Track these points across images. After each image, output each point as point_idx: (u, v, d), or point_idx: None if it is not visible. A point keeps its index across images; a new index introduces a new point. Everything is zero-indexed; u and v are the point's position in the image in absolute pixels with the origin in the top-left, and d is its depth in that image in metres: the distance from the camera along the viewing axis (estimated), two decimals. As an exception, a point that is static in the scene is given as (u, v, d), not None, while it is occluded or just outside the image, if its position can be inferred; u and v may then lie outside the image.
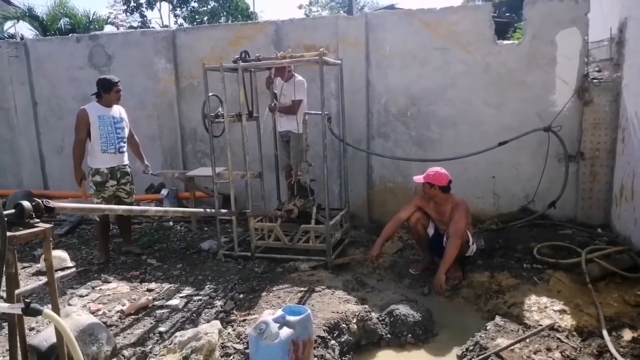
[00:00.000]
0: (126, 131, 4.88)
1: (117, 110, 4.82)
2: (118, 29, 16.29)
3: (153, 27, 11.48)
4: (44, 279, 2.25)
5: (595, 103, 5.17)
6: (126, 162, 4.90)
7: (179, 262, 4.89)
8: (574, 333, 3.15)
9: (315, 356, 2.89)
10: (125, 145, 4.87)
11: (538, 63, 5.33)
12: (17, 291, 2.05)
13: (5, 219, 1.92)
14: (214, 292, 4.07)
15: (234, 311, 3.65)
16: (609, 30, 5.10)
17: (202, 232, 5.95)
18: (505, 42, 5.66)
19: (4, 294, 2.07)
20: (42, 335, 2.58)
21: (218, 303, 3.83)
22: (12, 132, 7.57)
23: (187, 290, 4.15)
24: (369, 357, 3.35)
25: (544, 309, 3.46)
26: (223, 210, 4.35)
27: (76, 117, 4.65)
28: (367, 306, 3.68)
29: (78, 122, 4.63)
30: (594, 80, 5.14)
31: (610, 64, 5.13)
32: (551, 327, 3.17)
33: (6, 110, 7.53)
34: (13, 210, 2.06)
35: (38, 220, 2.12)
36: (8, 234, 1.93)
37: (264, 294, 3.94)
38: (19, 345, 2.25)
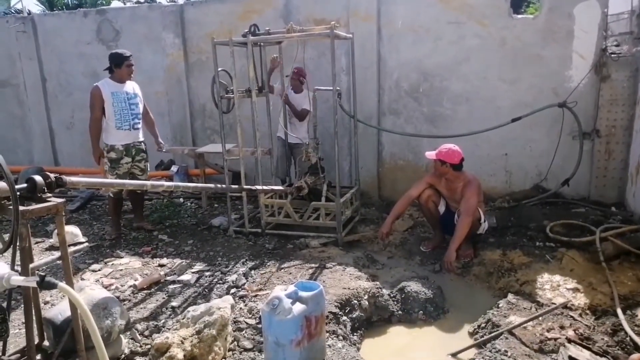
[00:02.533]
0: (140, 107, 4.82)
1: (131, 86, 4.76)
2: (125, 3, 16.10)
3: (160, 2, 11.37)
4: (57, 254, 2.26)
5: (612, 78, 5.04)
6: (141, 138, 4.86)
7: (190, 238, 4.91)
8: (588, 312, 3.13)
9: (327, 332, 2.90)
10: (140, 121, 4.83)
11: (555, 37, 5.18)
12: (31, 265, 2.06)
13: (18, 193, 1.92)
14: (226, 268, 4.09)
15: (246, 287, 3.66)
16: (630, 2, 4.92)
17: (213, 209, 5.96)
18: (521, 15, 5.51)
19: (19, 269, 2.08)
20: (56, 309, 2.60)
21: (229, 279, 3.84)
22: (22, 108, 7.59)
23: (199, 266, 4.18)
24: (380, 333, 3.36)
25: (556, 287, 3.43)
26: (234, 186, 4.33)
27: (90, 94, 4.60)
28: (378, 283, 3.67)
29: (92, 100, 4.58)
30: (612, 55, 5.00)
31: (630, 38, 4.97)
32: (564, 306, 3.15)
33: (15, 86, 7.54)
34: (25, 185, 2.05)
35: (50, 194, 2.12)
36: (21, 208, 1.92)
37: (275, 269, 3.95)
38: (34, 318, 2.27)
